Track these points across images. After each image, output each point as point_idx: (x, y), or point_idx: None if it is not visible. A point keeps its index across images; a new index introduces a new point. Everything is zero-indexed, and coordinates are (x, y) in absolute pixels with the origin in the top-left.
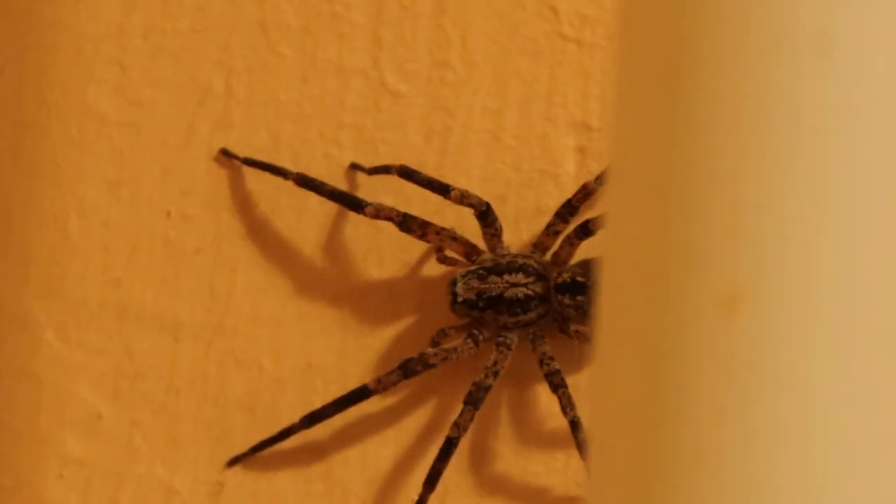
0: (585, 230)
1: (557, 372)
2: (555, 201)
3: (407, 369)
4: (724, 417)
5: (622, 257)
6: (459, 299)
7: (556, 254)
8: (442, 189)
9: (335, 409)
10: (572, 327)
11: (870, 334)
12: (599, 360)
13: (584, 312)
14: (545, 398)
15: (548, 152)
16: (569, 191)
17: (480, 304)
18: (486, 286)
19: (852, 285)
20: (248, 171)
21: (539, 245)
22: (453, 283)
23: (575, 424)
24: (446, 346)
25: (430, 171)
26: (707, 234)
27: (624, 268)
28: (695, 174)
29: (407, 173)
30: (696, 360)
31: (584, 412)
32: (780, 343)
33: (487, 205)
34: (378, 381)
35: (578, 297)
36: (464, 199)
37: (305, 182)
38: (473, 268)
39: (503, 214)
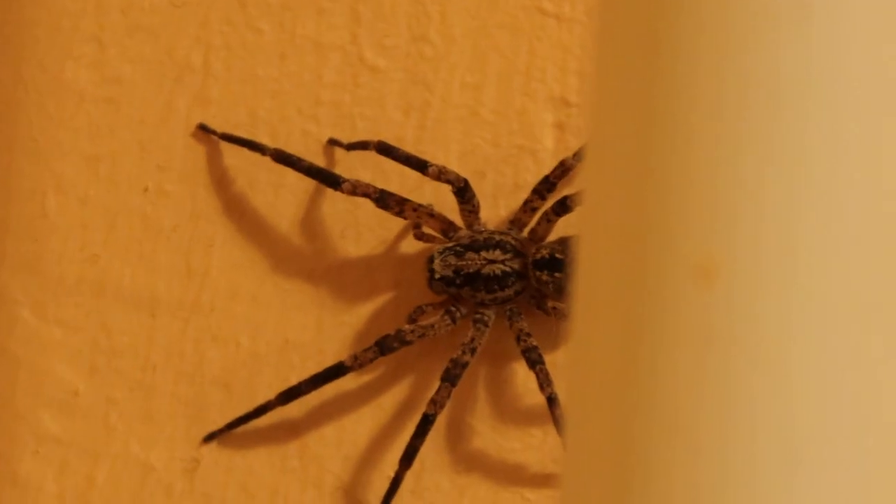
0: (563, 207)
1: (535, 348)
2: (533, 177)
3: (384, 346)
4: (700, 392)
5: (599, 233)
6: (437, 276)
7: (533, 230)
8: (419, 165)
9: (311, 386)
10: (550, 304)
11: (847, 308)
12: (576, 336)
13: (561, 289)
14: (522, 375)
15: (526, 128)
16: (547, 167)
17: (458, 281)
18: (464, 263)
19: (830, 257)
20: (226, 147)
21: (517, 221)
22: (430, 259)
23: (552, 401)
24: (423, 322)
25: (409, 146)
26: (684, 207)
27: (601, 243)
28: (672, 149)
29: (384, 149)
30: (672, 335)
31: (561, 389)
32: (756, 316)
33: (465, 181)
34: (355, 357)
35: (556, 274)
36: (441, 175)
37: (283, 158)
38: (451, 244)
39: (481, 190)
